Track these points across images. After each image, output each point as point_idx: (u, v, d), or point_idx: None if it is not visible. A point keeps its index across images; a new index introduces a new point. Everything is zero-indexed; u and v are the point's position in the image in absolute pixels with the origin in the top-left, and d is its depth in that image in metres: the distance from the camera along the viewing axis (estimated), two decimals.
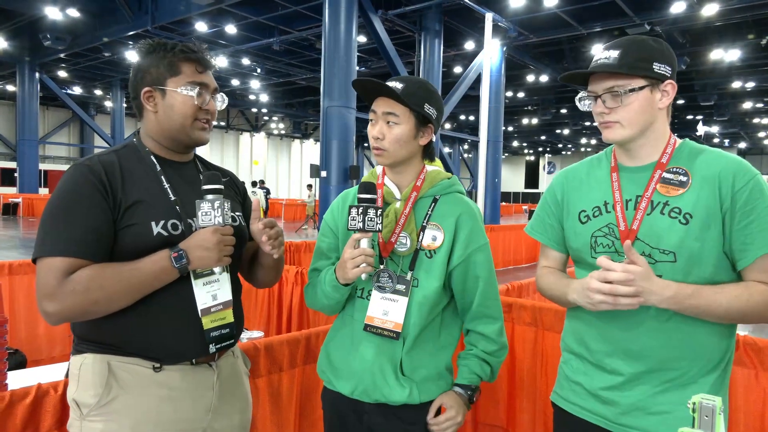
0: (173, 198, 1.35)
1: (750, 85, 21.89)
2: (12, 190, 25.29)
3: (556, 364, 2.56)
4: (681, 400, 1.30)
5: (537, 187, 49.71)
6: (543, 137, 41.28)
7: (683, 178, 1.30)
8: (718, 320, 1.26)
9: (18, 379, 2.14)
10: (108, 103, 30.19)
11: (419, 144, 1.49)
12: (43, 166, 27.98)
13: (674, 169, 1.32)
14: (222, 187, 1.33)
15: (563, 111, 30.04)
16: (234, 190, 1.55)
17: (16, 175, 25.05)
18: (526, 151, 51.13)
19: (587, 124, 33.77)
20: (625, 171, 1.40)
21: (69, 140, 34.50)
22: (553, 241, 1.54)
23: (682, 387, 1.31)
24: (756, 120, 30.49)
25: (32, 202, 20.74)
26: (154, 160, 1.39)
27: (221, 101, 1.45)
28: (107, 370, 1.27)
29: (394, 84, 1.44)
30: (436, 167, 1.58)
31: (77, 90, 28.79)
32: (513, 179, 52.13)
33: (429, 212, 1.48)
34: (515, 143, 45.57)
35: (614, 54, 1.31)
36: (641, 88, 1.30)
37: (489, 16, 11.22)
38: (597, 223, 1.39)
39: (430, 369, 1.47)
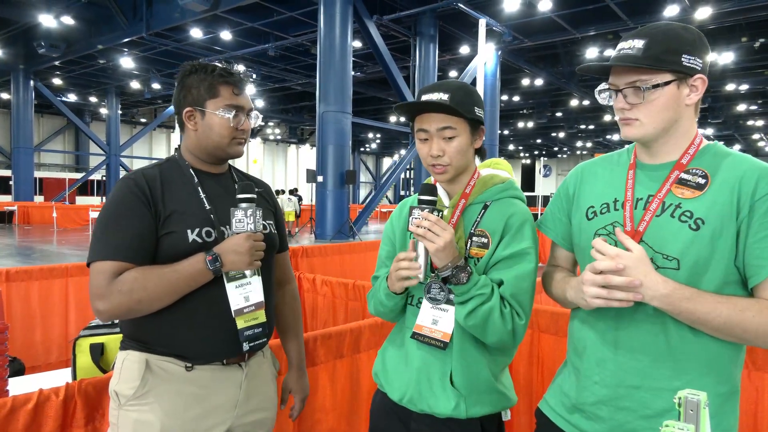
0: (208, 207, 1.46)
1: (744, 87, 22.02)
2: (7, 198, 25.16)
3: (553, 367, 2.59)
4: None
5: (533, 191, 49.74)
6: (539, 140, 41.37)
7: (701, 181, 1.18)
8: (713, 332, 1.13)
9: (17, 387, 2.14)
10: (103, 110, 30.13)
11: (474, 149, 1.47)
12: (38, 174, 27.87)
13: (693, 170, 1.20)
14: (255, 196, 1.46)
15: (558, 114, 30.14)
16: (267, 201, 1.66)
17: (11, 183, 24.96)
18: (521, 154, 51.20)
19: (582, 127, 33.89)
20: (642, 169, 1.28)
21: (64, 148, 34.44)
22: (561, 238, 1.43)
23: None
24: (750, 122, 30.66)
25: (27, 210, 20.61)
26: (192, 173, 1.51)
27: (255, 119, 1.55)
28: (145, 366, 1.39)
29: (439, 95, 1.38)
30: (494, 170, 1.53)
31: (72, 97, 28.74)
32: None
33: (477, 219, 1.43)
34: (511, 146, 45.67)
35: (639, 44, 1.17)
36: (667, 83, 1.16)
37: (482, 22, 11.28)
38: (602, 220, 1.29)
39: (481, 382, 1.41)
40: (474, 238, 1.41)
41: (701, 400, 0.66)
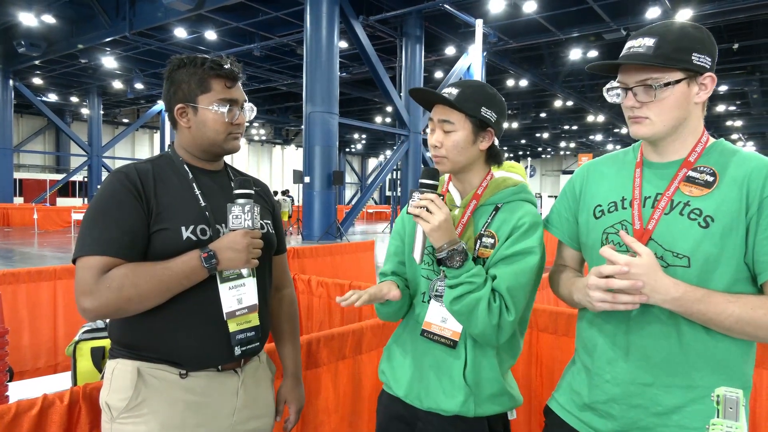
0: (203, 204, 1.40)
1: (722, 88, 22.41)
2: None
3: (552, 366, 2.60)
4: (689, 424, 1.18)
5: None
6: (523, 141, 41.65)
7: (709, 178, 1.18)
8: (726, 331, 1.14)
9: (14, 392, 2.10)
10: (85, 111, 29.67)
11: (479, 149, 1.45)
12: (17, 175, 27.40)
13: (701, 168, 1.20)
14: (252, 192, 1.39)
15: (542, 115, 30.42)
16: (265, 200, 1.61)
17: None
18: (506, 155, 51.29)
19: (566, 127, 34.24)
20: (650, 167, 1.28)
21: (44, 148, 33.83)
22: (568, 237, 1.43)
23: (690, 409, 1.18)
24: (729, 123, 31.20)
25: (7, 211, 20.20)
26: (187, 169, 1.45)
27: (250, 111, 1.49)
28: (137, 375, 1.32)
29: (450, 90, 1.41)
30: (508, 173, 1.52)
31: (53, 97, 28.27)
32: None
33: (488, 220, 1.42)
34: None
35: (649, 42, 1.17)
36: (677, 81, 1.17)
37: (479, 22, 11.33)
38: (611, 219, 1.28)
39: (491, 381, 1.41)
40: (482, 239, 1.40)
41: (740, 397, 0.66)
